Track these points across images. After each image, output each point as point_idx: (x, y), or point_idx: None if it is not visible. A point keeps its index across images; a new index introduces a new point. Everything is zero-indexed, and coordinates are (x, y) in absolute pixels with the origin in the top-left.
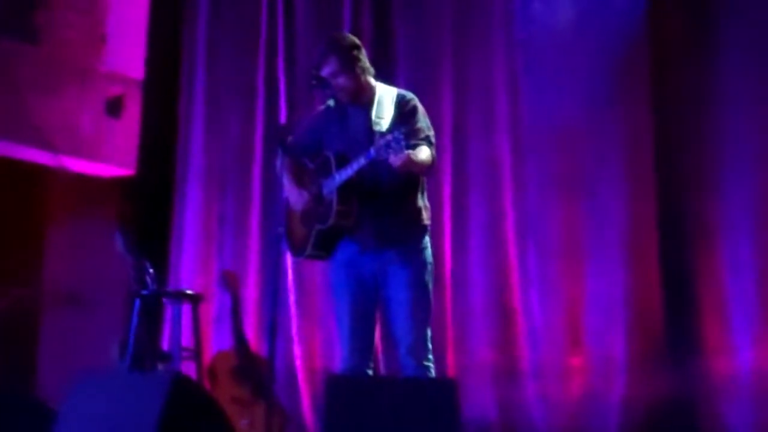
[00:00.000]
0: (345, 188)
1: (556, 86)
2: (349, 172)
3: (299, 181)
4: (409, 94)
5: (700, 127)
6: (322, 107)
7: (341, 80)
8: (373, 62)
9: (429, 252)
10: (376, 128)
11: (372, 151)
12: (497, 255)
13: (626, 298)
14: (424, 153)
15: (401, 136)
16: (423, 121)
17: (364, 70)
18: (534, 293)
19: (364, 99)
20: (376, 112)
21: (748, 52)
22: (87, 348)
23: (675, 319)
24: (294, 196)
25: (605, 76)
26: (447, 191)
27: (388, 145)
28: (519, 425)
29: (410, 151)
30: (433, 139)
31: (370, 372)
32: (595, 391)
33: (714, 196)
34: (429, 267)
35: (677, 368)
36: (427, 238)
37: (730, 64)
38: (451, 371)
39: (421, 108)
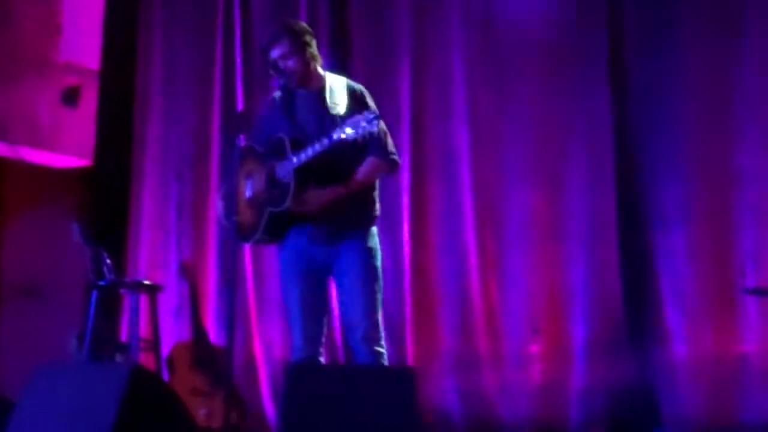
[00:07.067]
0: (302, 171)
1: (514, 75)
2: (309, 153)
3: (243, 166)
4: (359, 85)
5: (658, 116)
6: (269, 98)
7: (291, 63)
8: (329, 53)
9: (376, 239)
10: (334, 112)
11: (338, 131)
12: (456, 243)
13: (585, 285)
14: (367, 167)
15: (372, 116)
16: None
17: (313, 57)
18: (493, 281)
19: (313, 86)
20: (330, 98)
21: (705, 42)
22: (45, 339)
23: (634, 305)
24: (242, 182)
25: (564, 65)
26: (405, 180)
27: (356, 125)
28: (479, 413)
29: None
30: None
31: (322, 359)
32: (556, 378)
33: (672, 185)
34: (377, 253)
35: (637, 354)
36: (374, 228)
37: (688, 53)
38: (410, 360)
39: (371, 101)
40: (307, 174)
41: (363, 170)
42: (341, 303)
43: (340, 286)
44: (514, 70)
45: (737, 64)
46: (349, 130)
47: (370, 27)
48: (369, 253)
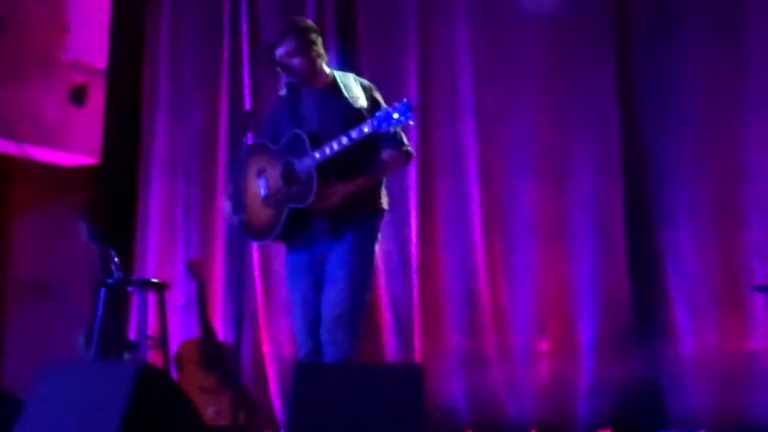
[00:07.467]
0: (323, 167)
1: (520, 71)
2: (335, 147)
3: (251, 164)
4: (366, 80)
5: (665, 113)
6: (276, 97)
7: (296, 61)
8: (336, 50)
9: (376, 236)
10: (357, 105)
11: (371, 123)
12: (464, 240)
13: (593, 282)
14: (385, 159)
15: (405, 107)
16: None
17: (319, 55)
18: (500, 278)
19: (319, 83)
20: (348, 92)
21: (712, 38)
22: (52, 337)
23: (642, 302)
24: (252, 180)
25: (571, 62)
26: (413, 177)
27: (388, 116)
28: (486, 410)
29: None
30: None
31: None
32: (563, 376)
33: (679, 181)
34: (371, 251)
35: (644, 352)
36: (379, 223)
37: (695, 49)
38: (418, 357)
39: (379, 95)
40: (328, 169)
41: (382, 163)
42: (322, 288)
43: (324, 273)
44: (520, 67)
45: (744, 60)
46: (382, 122)
47: (376, 24)
48: (363, 247)
